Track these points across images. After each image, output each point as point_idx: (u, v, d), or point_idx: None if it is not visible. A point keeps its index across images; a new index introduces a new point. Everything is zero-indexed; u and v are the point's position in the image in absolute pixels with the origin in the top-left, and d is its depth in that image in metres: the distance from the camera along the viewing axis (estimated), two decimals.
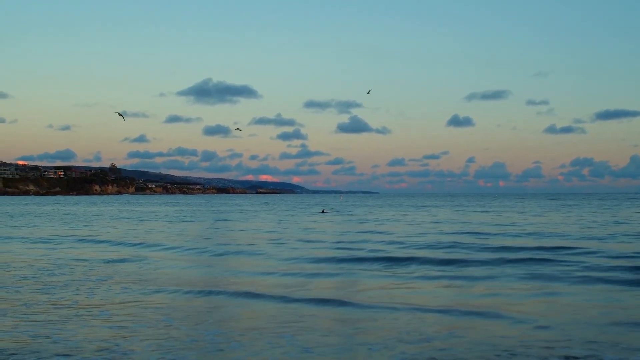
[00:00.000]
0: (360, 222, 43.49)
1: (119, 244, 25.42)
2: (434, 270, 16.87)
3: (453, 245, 23.30)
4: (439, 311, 11.25)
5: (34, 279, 15.49)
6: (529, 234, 29.51)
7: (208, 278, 15.89)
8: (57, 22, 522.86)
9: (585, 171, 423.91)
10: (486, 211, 63.36)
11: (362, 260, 19.14)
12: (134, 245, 24.78)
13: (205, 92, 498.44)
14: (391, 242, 25.18)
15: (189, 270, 17.31)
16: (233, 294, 13.05)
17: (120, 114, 38.98)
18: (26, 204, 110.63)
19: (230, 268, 17.82)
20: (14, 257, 20.72)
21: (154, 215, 58.00)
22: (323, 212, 64.50)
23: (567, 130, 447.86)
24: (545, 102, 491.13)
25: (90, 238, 28.63)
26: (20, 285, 14.45)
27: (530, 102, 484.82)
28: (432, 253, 20.85)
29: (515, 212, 58.91)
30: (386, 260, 18.73)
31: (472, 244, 24.13)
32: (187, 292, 13.36)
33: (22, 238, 29.13)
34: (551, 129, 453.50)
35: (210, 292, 13.33)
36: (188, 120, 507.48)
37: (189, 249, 23.04)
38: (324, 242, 26.06)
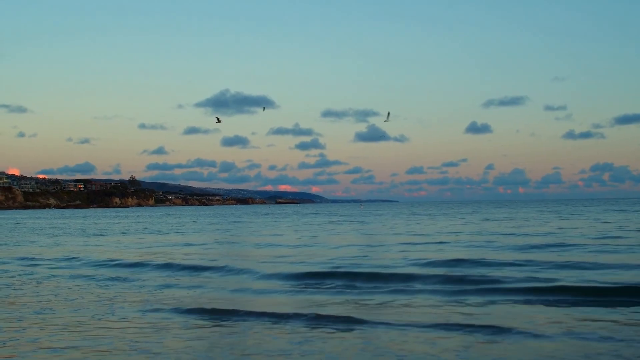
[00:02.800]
0: (378, 234, 43.21)
1: (138, 261, 25.43)
2: (448, 288, 16.61)
3: (467, 259, 22.90)
4: (457, 329, 11.14)
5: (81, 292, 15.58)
6: (545, 245, 28.96)
7: (224, 298, 15.85)
8: (75, 35, 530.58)
9: (606, 176, 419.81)
10: (510, 219, 62.60)
11: (376, 276, 18.86)
12: (155, 263, 24.75)
13: (222, 103, 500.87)
14: (412, 259, 24.82)
15: (203, 290, 17.24)
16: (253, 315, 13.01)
17: (218, 120, 38.69)
18: (46, 217, 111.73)
19: (243, 287, 17.74)
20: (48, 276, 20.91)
21: (173, 228, 58.19)
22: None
23: (586, 135, 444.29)
24: (563, 108, 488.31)
25: (113, 256, 28.73)
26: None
27: (549, 108, 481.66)
28: (449, 270, 20.54)
29: (535, 220, 58.18)
30: (401, 278, 18.43)
31: (486, 258, 23.81)
32: (207, 314, 13.32)
33: (40, 256, 29.26)
34: (570, 135, 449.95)
35: (233, 313, 13.28)
36: (206, 131, 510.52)
37: (204, 267, 22.77)
38: (340, 257, 25.82)
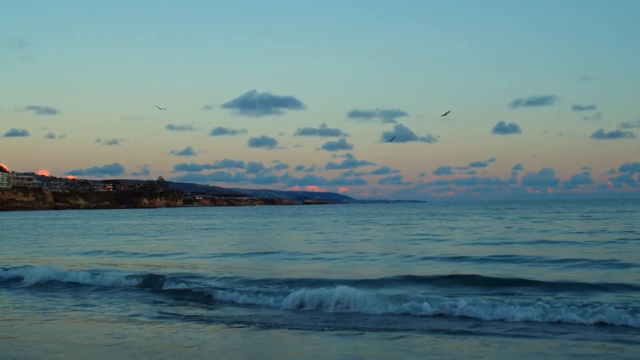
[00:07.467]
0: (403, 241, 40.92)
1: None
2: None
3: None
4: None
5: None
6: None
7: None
8: (103, 37, 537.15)
9: (635, 176, 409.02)
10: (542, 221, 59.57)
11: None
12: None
13: (250, 103, 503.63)
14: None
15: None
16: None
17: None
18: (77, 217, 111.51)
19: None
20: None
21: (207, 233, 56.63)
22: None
23: (615, 135, 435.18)
24: (591, 107, 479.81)
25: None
26: None
27: (577, 107, 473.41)
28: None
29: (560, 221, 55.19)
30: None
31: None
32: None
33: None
34: (599, 134, 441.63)
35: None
36: (233, 132, 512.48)
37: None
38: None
